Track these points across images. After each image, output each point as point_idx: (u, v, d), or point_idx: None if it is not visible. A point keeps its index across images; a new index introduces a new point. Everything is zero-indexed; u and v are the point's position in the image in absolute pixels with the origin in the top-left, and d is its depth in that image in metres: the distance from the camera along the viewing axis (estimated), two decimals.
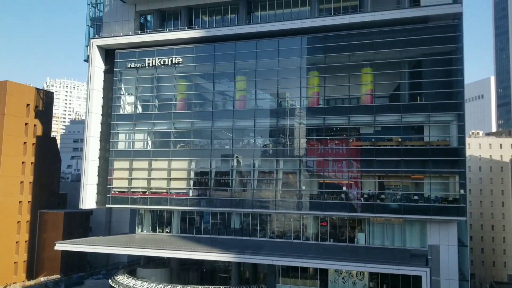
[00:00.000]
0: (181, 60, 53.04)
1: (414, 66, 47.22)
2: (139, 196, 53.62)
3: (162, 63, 53.66)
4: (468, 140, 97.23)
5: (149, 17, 59.75)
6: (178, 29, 55.24)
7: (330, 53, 48.44)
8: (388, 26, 45.98)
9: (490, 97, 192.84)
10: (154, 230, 56.80)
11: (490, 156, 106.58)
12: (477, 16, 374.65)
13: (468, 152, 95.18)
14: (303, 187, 48.25)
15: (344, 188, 46.94)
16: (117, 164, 54.94)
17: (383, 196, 45.83)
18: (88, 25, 61.52)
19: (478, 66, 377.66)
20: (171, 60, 53.27)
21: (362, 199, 46.27)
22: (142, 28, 59.12)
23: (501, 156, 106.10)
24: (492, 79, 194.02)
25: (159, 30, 55.98)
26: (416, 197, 44.72)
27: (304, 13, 52.28)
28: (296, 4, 52.64)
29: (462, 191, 43.39)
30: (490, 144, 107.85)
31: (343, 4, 50.95)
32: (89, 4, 61.60)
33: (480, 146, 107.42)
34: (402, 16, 45.33)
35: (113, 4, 58.64)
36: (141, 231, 57.20)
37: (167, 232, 55.95)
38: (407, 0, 47.60)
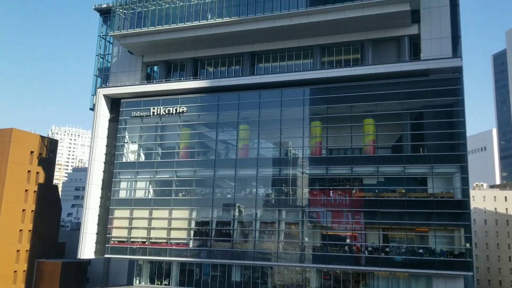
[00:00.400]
0: (185, 109, 53.77)
1: (416, 118, 47.56)
2: (138, 246, 52.63)
3: (166, 112, 54.33)
4: (472, 193, 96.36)
5: (155, 68, 61.21)
6: (183, 79, 56.37)
7: (332, 104, 49.06)
8: (389, 78, 46.80)
9: (493, 149, 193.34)
10: (152, 281, 55.26)
11: (495, 209, 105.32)
12: (477, 69, 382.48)
13: (473, 205, 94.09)
14: (306, 239, 47.34)
15: (347, 240, 46.03)
16: (117, 213, 54.36)
17: (387, 249, 44.79)
18: (96, 75, 63.03)
19: (479, 118, 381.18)
20: (176, 109, 53.99)
21: (366, 252, 45.23)
22: (149, 78, 60.42)
23: (506, 209, 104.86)
24: (494, 132, 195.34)
25: (164, 80, 57.16)
26: (421, 251, 43.68)
27: (306, 65, 53.47)
28: (298, 57, 53.96)
29: (468, 244, 42.42)
30: (494, 196, 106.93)
31: (345, 57, 52.15)
32: (98, 55, 63.41)
33: (484, 198, 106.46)
34: (403, 69, 46.25)
35: (121, 56, 60.26)
36: (139, 282, 55.66)
37: (165, 284, 54.39)
38: (408, 54, 48.70)
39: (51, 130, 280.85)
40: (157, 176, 54.33)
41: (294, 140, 50.11)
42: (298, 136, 49.33)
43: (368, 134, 47.47)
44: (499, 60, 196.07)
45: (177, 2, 53.66)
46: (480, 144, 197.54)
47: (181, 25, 52.80)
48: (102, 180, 56.54)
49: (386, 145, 48.42)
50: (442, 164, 44.49)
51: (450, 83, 45.38)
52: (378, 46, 50.68)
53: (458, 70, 45.41)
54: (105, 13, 63.06)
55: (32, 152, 74.92)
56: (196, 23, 52.19)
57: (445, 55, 45.82)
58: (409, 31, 48.58)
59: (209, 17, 52.07)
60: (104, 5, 62.98)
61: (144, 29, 54.39)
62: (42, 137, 77.64)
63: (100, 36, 63.82)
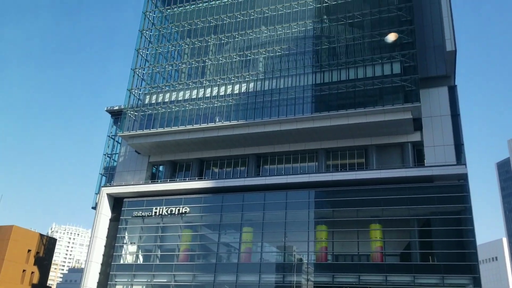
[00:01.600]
0: (188, 209, 52.99)
1: (424, 225, 46.35)
2: None
3: (168, 212, 53.52)
4: None
5: (161, 167, 61.63)
6: (188, 179, 56.39)
7: (338, 207, 48.25)
8: (394, 183, 46.50)
9: (505, 259, 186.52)
10: None
11: None
12: (482, 176, 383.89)
13: None
14: None
15: None
16: None
17: None
18: (101, 174, 63.49)
19: (488, 226, 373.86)
20: (178, 210, 53.21)
21: None
22: (153, 177, 60.55)
23: None
24: (505, 241, 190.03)
25: (169, 180, 57.18)
26: None
27: (311, 167, 53.65)
28: (304, 160, 54.37)
29: None
30: None
31: (349, 161, 52.49)
32: (105, 154, 64.57)
33: None
34: (408, 175, 46.14)
35: (128, 155, 61.06)
36: None
37: None
38: (412, 159, 48.91)
39: (51, 228, 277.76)
40: (154, 280, 51.82)
41: (298, 244, 48.45)
42: (303, 240, 47.75)
43: (375, 240, 45.97)
44: (503, 168, 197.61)
45: (186, 105, 55.65)
46: (491, 254, 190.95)
47: (189, 127, 54.16)
48: (98, 282, 53.96)
49: (394, 252, 46.64)
50: (453, 274, 42.27)
51: (456, 190, 44.90)
52: (382, 151, 51.21)
53: (463, 177, 45.12)
54: (116, 115, 65.44)
55: (29, 250, 72.78)
56: (204, 125, 53.55)
57: (449, 162, 45.88)
58: (412, 138, 49.33)
59: (217, 120, 53.58)
60: (116, 107, 65.59)
61: (153, 130, 55.71)
62: (41, 236, 75.93)
63: (109, 136, 65.58)
